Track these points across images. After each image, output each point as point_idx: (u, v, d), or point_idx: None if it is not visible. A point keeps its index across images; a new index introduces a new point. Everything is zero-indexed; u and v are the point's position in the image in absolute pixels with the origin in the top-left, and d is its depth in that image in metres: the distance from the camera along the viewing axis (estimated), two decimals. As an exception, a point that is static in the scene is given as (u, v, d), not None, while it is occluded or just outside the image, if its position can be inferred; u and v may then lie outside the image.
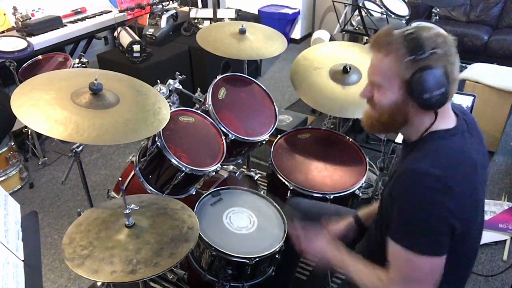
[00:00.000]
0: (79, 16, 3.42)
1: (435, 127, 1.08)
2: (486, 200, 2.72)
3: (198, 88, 2.06)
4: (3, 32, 2.98)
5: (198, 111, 1.83)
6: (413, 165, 1.04)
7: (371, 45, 1.08)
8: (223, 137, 1.79)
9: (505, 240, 2.31)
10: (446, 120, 1.09)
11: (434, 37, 1.01)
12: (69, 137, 1.30)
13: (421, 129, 1.09)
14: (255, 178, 2.10)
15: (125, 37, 3.17)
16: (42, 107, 1.34)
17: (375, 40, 1.07)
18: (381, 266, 1.13)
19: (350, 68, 2.00)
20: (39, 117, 1.30)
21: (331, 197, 1.77)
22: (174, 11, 3.61)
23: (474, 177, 1.05)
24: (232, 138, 1.82)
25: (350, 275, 1.20)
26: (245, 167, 2.52)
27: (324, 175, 1.90)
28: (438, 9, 3.76)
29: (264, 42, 2.20)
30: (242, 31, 2.17)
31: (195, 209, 1.64)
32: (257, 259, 1.52)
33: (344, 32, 3.66)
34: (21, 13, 3.03)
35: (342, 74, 2.02)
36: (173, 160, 1.60)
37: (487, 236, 2.32)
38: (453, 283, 1.17)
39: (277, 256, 1.62)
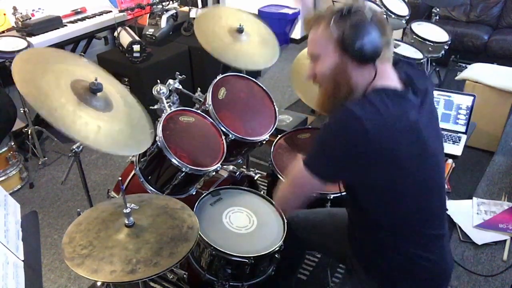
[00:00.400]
0: (79, 16, 3.42)
1: (375, 85, 1.10)
2: (486, 200, 2.73)
3: (198, 88, 2.06)
4: (3, 32, 2.97)
5: (198, 111, 1.83)
6: (347, 104, 1.06)
7: (305, 29, 1.16)
8: (223, 137, 1.79)
9: (505, 240, 2.31)
10: (388, 81, 1.11)
11: (357, 2, 1.09)
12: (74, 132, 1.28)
13: (365, 84, 1.12)
14: (255, 178, 2.10)
15: (125, 37, 3.17)
16: (41, 85, 1.32)
17: (306, 22, 1.16)
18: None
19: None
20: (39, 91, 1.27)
21: (331, 197, 1.77)
22: (174, 11, 3.61)
23: (405, 134, 1.06)
24: (232, 138, 1.82)
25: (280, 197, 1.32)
26: (245, 167, 2.52)
27: (324, 175, 1.90)
28: (438, 9, 3.76)
29: (259, 49, 2.17)
30: (240, 31, 2.14)
31: (194, 209, 1.64)
32: (257, 258, 1.52)
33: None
34: (21, 13, 3.03)
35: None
36: (173, 160, 1.60)
37: (487, 236, 2.33)
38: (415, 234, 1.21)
39: (276, 255, 1.62)
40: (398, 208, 1.17)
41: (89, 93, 1.42)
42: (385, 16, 2.85)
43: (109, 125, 1.40)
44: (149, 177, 1.75)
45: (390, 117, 1.04)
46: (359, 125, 1.01)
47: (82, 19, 3.38)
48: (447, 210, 1.31)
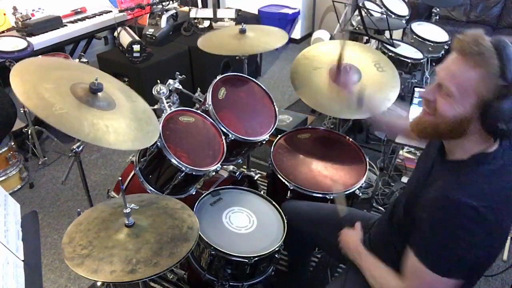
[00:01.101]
0: (79, 16, 3.42)
1: (483, 150, 1.02)
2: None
3: (198, 88, 2.06)
4: (3, 32, 2.98)
5: (198, 111, 1.83)
6: (454, 195, 0.98)
7: (456, 48, 0.96)
8: (223, 137, 1.80)
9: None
10: (495, 143, 1.02)
11: None
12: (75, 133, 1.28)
13: (472, 149, 1.02)
14: (255, 178, 2.10)
15: (125, 37, 3.18)
16: (42, 93, 1.31)
17: (463, 44, 0.94)
18: (388, 259, 1.21)
19: (350, 68, 2.00)
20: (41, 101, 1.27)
21: (331, 197, 1.77)
22: (174, 11, 3.61)
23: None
24: (232, 138, 1.82)
25: (362, 269, 1.26)
26: (245, 167, 2.52)
27: (324, 175, 1.90)
28: (438, 9, 3.77)
29: (264, 38, 2.20)
30: (242, 31, 2.17)
31: (194, 209, 1.64)
32: (256, 258, 1.52)
33: (344, 32, 3.66)
34: (21, 13, 3.03)
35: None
36: (173, 160, 1.60)
37: (487, 236, 2.32)
38: None
39: (276, 255, 1.62)
40: None
41: (91, 94, 1.42)
42: (385, 16, 2.86)
43: (117, 123, 1.40)
44: (149, 177, 1.75)
45: (503, 192, 0.99)
46: (479, 216, 0.95)
47: (82, 19, 3.38)
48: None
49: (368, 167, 1.94)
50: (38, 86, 1.32)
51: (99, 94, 1.44)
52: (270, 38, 2.22)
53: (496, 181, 0.99)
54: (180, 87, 1.98)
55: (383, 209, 2.50)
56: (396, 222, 1.26)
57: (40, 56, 2.83)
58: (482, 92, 0.93)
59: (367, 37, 3.00)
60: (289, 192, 1.81)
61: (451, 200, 0.97)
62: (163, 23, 3.42)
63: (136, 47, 3.05)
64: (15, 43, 2.67)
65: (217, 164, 1.71)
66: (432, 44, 3.29)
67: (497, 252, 1.06)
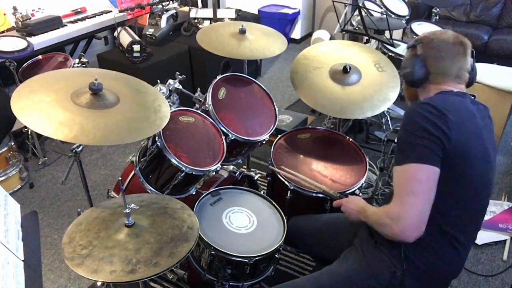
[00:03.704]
0: (79, 16, 3.43)
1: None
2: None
3: (198, 88, 2.06)
4: (3, 32, 2.98)
5: (198, 111, 1.83)
6: (418, 102, 1.25)
7: None
8: (223, 137, 1.80)
9: (505, 240, 2.31)
10: (452, 88, 1.30)
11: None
12: (75, 139, 1.30)
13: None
14: (255, 178, 2.10)
15: (125, 37, 3.18)
16: (44, 109, 1.33)
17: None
18: None
19: (350, 68, 2.00)
20: (42, 120, 1.30)
21: (338, 195, 1.77)
22: (174, 11, 3.61)
23: (466, 116, 1.23)
24: (232, 138, 1.82)
25: (368, 218, 1.33)
26: (245, 167, 2.52)
27: (324, 175, 1.90)
28: (438, 9, 3.77)
29: (264, 42, 2.20)
30: (242, 31, 2.17)
31: (194, 209, 1.64)
32: (256, 258, 1.52)
33: (344, 32, 3.67)
34: (21, 13, 3.04)
35: (342, 74, 2.02)
36: (173, 160, 1.60)
37: (487, 236, 2.33)
38: (464, 223, 1.27)
39: (276, 255, 1.62)
40: (451, 197, 1.23)
41: (92, 96, 1.43)
42: (385, 16, 2.85)
43: (116, 119, 1.42)
44: (149, 177, 1.75)
45: (459, 108, 1.24)
46: (437, 111, 1.19)
47: (82, 19, 3.38)
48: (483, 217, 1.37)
49: (368, 167, 1.94)
50: (45, 108, 1.35)
51: (101, 93, 1.44)
52: (269, 42, 2.21)
53: (452, 100, 1.27)
54: (180, 87, 1.98)
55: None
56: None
57: (40, 56, 2.84)
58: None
59: (367, 37, 3.00)
60: (289, 192, 1.81)
61: (416, 104, 1.24)
62: (163, 23, 3.42)
63: (136, 47, 3.05)
64: (15, 43, 2.67)
65: (217, 164, 1.71)
66: (432, 44, 3.28)
67: (466, 150, 1.21)
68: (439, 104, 1.20)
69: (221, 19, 3.60)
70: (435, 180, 1.17)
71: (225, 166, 2.00)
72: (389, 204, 1.21)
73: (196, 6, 4.38)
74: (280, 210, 1.73)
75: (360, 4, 2.91)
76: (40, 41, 2.94)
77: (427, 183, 1.16)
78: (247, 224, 1.65)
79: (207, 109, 1.83)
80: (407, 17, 3.50)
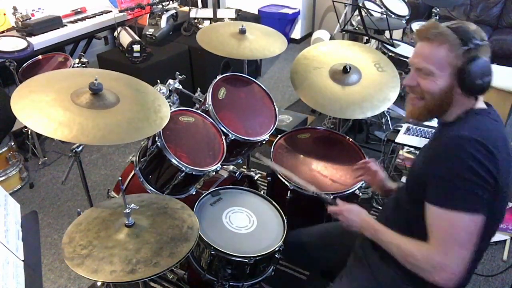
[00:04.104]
0: (79, 16, 3.43)
1: (472, 107, 1.18)
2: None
3: (198, 88, 2.06)
4: (3, 32, 2.98)
5: (198, 111, 1.83)
6: (456, 132, 1.12)
7: (420, 35, 1.16)
8: (223, 137, 1.80)
9: (505, 240, 2.31)
10: (481, 103, 1.20)
11: (479, 31, 1.13)
12: (75, 139, 1.30)
13: (461, 110, 1.17)
14: (255, 178, 2.10)
15: (125, 37, 3.18)
16: (43, 109, 1.33)
17: (425, 30, 1.15)
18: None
19: (350, 68, 2.00)
20: (42, 120, 1.30)
21: (331, 197, 1.77)
22: (174, 11, 3.61)
23: (508, 149, 1.13)
24: (232, 138, 1.82)
25: (384, 243, 1.24)
26: (245, 167, 2.52)
27: (324, 175, 1.90)
28: (438, 9, 3.76)
29: (264, 42, 2.20)
30: (242, 31, 2.17)
31: (194, 209, 1.64)
32: (257, 258, 1.52)
33: (344, 32, 3.67)
34: (21, 13, 3.04)
35: (342, 74, 2.02)
36: (173, 160, 1.60)
37: (487, 236, 2.32)
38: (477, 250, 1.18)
39: (276, 255, 1.62)
40: None
41: (92, 96, 1.43)
42: (385, 16, 2.86)
43: (116, 119, 1.42)
44: (149, 177, 1.75)
45: (498, 137, 1.12)
46: (485, 149, 1.06)
47: (82, 19, 3.38)
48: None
49: (368, 167, 1.94)
50: (45, 109, 1.35)
51: (101, 93, 1.44)
52: (269, 42, 2.21)
53: (490, 127, 1.14)
54: (180, 87, 1.98)
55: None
56: (404, 200, 1.29)
57: (40, 56, 2.84)
58: (454, 61, 1.11)
59: (367, 37, 3.00)
60: (289, 192, 1.81)
61: (460, 137, 1.09)
62: (163, 23, 3.42)
63: (136, 47, 3.05)
64: (15, 43, 2.67)
65: (217, 164, 1.71)
66: (432, 44, 3.28)
67: (505, 191, 1.12)
68: (487, 141, 1.07)
69: (221, 19, 3.60)
70: (482, 227, 1.08)
71: (225, 166, 2.00)
72: (427, 245, 1.12)
73: (196, 6, 4.38)
74: (280, 210, 1.73)
75: (360, 4, 2.91)
76: (40, 41, 2.94)
77: (476, 234, 1.07)
78: (247, 224, 1.65)
79: (207, 109, 1.83)
80: (407, 17, 3.50)
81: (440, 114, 1.20)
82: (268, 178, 1.98)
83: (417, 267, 1.14)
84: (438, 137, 1.24)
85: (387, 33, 2.96)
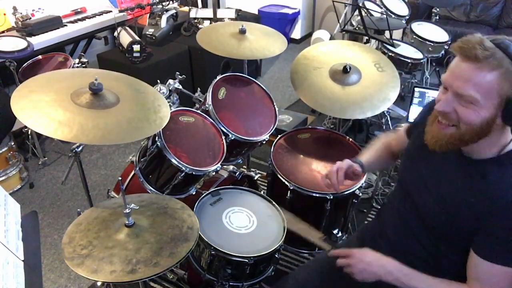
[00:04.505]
0: (79, 16, 3.43)
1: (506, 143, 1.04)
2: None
3: (198, 88, 2.06)
4: (3, 32, 2.98)
5: (198, 111, 1.83)
6: None
7: (465, 53, 0.95)
8: (223, 137, 1.79)
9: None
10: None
11: None
12: (75, 138, 1.30)
13: (496, 145, 1.04)
14: (255, 178, 2.10)
15: (125, 37, 3.18)
16: (43, 109, 1.33)
17: (472, 48, 0.94)
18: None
19: (350, 68, 2.00)
20: (42, 119, 1.30)
21: (331, 197, 1.77)
22: (174, 11, 3.61)
23: None
24: (232, 138, 1.82)
25: None
26: (245, 167, 2.52)
27: (324, 175, 1.90)
28: (438, 9, 3.77)
29: (264, 42, 2.20)
30: (242, 31, 2.17)
31: (194, 209, 1.64)
32: (256, 258, 1.52)
33: (344, 32, 3.67)
34: (21, 13, 3.04)
35: (342, 74, 2.02)
36: (173, 160, 1.60)
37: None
38: None
39: (276, 255, 1.62)
40: None
41: (92, 96, 1.43)
42: (385, 16, 2.86)
43: (116, 118, 1.42)
44: (149, 177, 1.75)
45: None
46: None
47: (82, 19, 3.39)
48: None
49: (368, 167, 1.94)
50: (45, 109, 1.35)
51: (101, 93, 1.44)
52: (269, 42, 2.21)
53: None
54: (180, 87, 1.98)
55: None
56: (420, 232, 1.19)
57: (40, 56, 2.84)
58: (504, 91, 0.94)
59: (367, 37, 3.00)
60: (289, 192, 1.81)
61: None
62: (163, 23, 3.42)
63: (136, 47, 3.05)
64: (15, 43, 2.67)
65: (217, 164, 1.71)
66: (432, 44, 3.29)
67: None
68: None
69: (221, 19, 3.60)
70: None
71: (225, 166, 2.00)
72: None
73: (196, 6, 4.38)
74: (280, 210, 1.73)
75: (360, 4, 2.91)
76: (40, 41, 2.94)
77: None
78: (247, 224, 1.65)
79: (207, 109, 1.83)
80: (407, 17, 3.50)
81: (469, 145, 1.04)
82: (268, 178, 1.98)
83: None
84: (471, 176, 1.07)
85: (387, 33, 2.96)
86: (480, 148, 1.05)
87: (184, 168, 1.61)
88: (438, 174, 1.16)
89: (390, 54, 3.01)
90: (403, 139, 1.39)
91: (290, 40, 5.13)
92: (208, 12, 3.67)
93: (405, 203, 1.26)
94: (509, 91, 0.94)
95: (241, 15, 3.73)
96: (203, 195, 1.73)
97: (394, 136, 1.48)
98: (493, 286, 1.06)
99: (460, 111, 0.98)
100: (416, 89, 2.62)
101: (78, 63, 2.76)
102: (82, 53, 3.10)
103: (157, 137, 1.61)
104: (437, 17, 3.77)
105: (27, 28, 2.96)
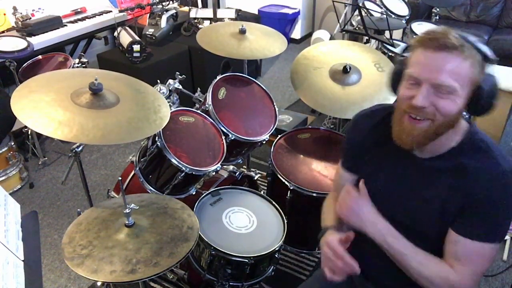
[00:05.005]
0: (79, 16, 3.42)
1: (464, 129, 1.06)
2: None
3: (198, 88, 2.06)
4: (3, 32, 2.98)
5: (198, 111, 1.83)
6: (494, 165, 1.02)
7: (439, 45, 0.95)
8: (223, 137, 1.80)
9: (505, 240, 2.31)
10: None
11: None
12: (75, 138, 1.31)
13: (459, 134, 1.05)
14: (255, 178, 2.10)
15: (125, 37, 3.18)
16: (43, 109, 1.34)
17: (443, 38, 0.95)
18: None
19: (350, 68, 2.00)
20: (42, 119, 1.30)
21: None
22: (174, 11, 3.61)
23: None
24: (232, 138, 1.82)
25: (399, 256, 1.08)
26: (245, 167, 2.52)
27: (324, 175, 1.90)
28: (438, 9, 3.76)
29: (264, 42, 2.20)
30: (242, 31, 2.18)
31: (194, 209, 1.64)
32: (257, 258, 1.52)
33: (344, 32, 3.66)
34: (21, 13, 3.03)
35: (342, 74, 2.02)
36: (173, 160, 1.60)
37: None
38: None
39: (276, 255, 1.62)
40: None
41: (92, 96, 1.43)
42: (385, 16, 2.86)
43: (116, 118, 1.42)
44: (149, 177, 1.75)
45: None
46: None
47: (82, 19, 3.38)
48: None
49: (368, 167, 1.94)
50: (45, 109, 1.35)
51: (101, 93, 1.44)
52: (269, 42, 2.22)
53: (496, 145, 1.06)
54: (180, 87, 1.98)
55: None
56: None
57: (40, 56, 2.84)
58: (476, 79, 0.98)
59: (367, 37, 3.00)
60: (289, 192, 1.81)
61: (505, 172, 1.01)
62: (163, 23, 3.42)
63: (136, 47, 3.05)
64: (15, 43, 2.67)
65: (217, 164, 1.71)
66: (432, 44, 3.28)
67: None
68: None
69: (221, 19, 3.60)
70: None
71: (225, 166, 2.00)
72: (447, 267, 1.07)
73: (196, 6, 4.38)
74: (280, 210, 1.73)
75: (360, 4, 2.91)
76: (40, 41, 2.94)
77: None
78: (247, 224, 1.65)
79: (207, 109, 1.83)
80: (407, 17, 3.50)
81: (442, 135, 1.03)
82: (268, 178, 1.98)
83: (432, 285, 1.07)
84: (456, 169, 1.06)
85: (387, 33, 2.95)
86: (447, 140, 1.05)
87: (184, 168, 1.61)
88: (404, 185, 1.14)
89: (390, 54, 3.01)
90: (346, 178, 1.27)
91: (290, 40, 5.13)
92: (208, 12, 3.67)
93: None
94: (479, 79, 0.98)
95: (241, 15, 3.73)
96: (203, 195, 1.73)
97: (337, 187, 1.32)
98: (474, 264, 1.05)
99: (438, 103, 0.97)
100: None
101: (78, 63, 2.76)
102: (82, 53, 3.10)
103: (157, 137, 1.61)
104: (437, 17, 3.77)
105: (27, 28, 2.96)
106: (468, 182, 1.03)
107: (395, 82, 1.10)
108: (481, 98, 0.99)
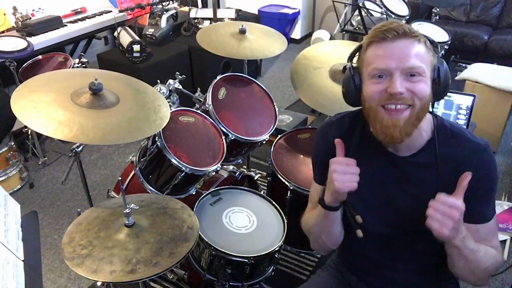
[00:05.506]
0: (79, 16, 3.42)
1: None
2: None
3: (198, 88, 2.06)
4: (3, 32, 2.98)
5: (198, 111, 1.83)
6: (475, 145, 1.06)
7: (397, 34, 0.98)
8: (223, 137, 1.80)
9: (505, 240, 2.31)
10: None
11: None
12: (75, 138, 1.31)
13: (428, 124, 1.08)
14: (255, 178, 2.10)
15: (125, 37, 3.18)
16: (43, 109, 1.34)
17: (400, 28, 0.98)
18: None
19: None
20: (42, 119, 1.30)
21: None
22: (174, 11, 3.61)
23: None
24: (232, 138, 1.82)
25: (472, 255, 1.02)
26: (245, 167, 2.52)
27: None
28: (438, 9, 3.76)
29: (264, 42, 2.20)
30: (242, 31, 2.18)
31: (194, 209, 1.64)
32: (257, 258, 1.52)
33: (344, 32, 3.67)
34: (21, 13, 3.03)
35: (342, 74, 2.01)
36: (173, 160, 1.60)
37: (487, 236, 2.32)
38: None
39: (276, 255, 1.62)
40: None
41: (92, 96, 1.43)
42: (385, 16, 2.86)
43: (116, 118, 1.42)
44: (149, 177, 1.75)
45: None
46: None
47: (82, 19, 3.38)
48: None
49: (368, 167, 1.94)
50: (46, 110, 1.35)
51: (101, 93, 1.44)
52: (269, 42, 2.22)
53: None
54: (180, 87, 1.98)
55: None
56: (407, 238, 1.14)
57: (40, 56, 2.84)
58: (432, 60, 1.02)
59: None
60: (289, 192, 1.81)
61: (485, 147, 1.06)
62: (163, 23, 3.42)
63: (136, 47, 3.05)
64: (15, 43, 2.67)
65: (217, 164, 1.71)
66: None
67: None
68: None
69: (221, 19, 3.60)
70: None
71: (225, 166, 2.00)
72: (493, 249, 1.09)
73: (196, 6, 4.38)
74: (280, 210, 1.73)
75: (360, 4, 2.91)
76: (40, 41, 2.94)
77: None
78: (247, 224, 1.65)
79: (207, 109, 1.83)
80: (407, 17, 3.50)
81: (420, 122, 1.03)
82: (268, 178, 1.97)
83: (489, 272, 1.08)
84: (444, 154, 1.06)
85: (387, 33, 2.95)
86: (416, 136, 1.05)
87: (184, 168, 1.61)
88: (388, 186, 1.13)
89: (390, 54, 3.00)
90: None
91: (290, 40, 5.13)
92: (208, 12, 3.67)
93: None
94: (435, 61, 1.02)
95: (241, 15, 3.73)
96: (203, 195, 1.73)
97: (314, 203, 1.30)
98: (495, 236, 1.12)
99: (414, 88, 0.99)
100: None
101: (78, 63, 2.76)
102: (82, 53, 3.10)
103: (157, 137, 1.61)
104: (437, 17, 3.77)
105: (27, 28, 2.96)
106: (456, 170, 1.03)
107: (354, 90, 1.13)
108: (441, 79, 1.02)
